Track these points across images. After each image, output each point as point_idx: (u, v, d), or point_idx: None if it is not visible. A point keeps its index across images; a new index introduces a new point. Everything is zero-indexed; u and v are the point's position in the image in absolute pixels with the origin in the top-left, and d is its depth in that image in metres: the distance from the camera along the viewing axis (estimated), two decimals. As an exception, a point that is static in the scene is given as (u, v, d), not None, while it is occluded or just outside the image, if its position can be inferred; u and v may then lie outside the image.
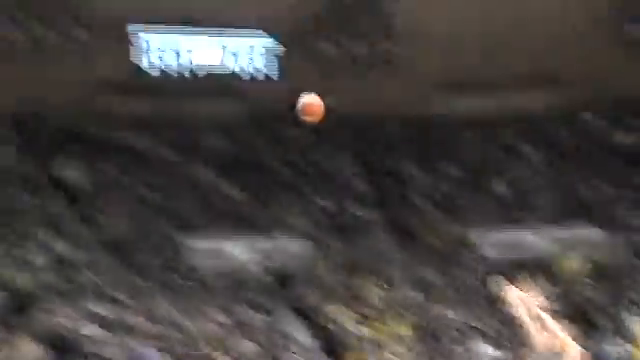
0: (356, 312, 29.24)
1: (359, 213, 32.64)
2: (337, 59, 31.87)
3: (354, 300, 29.71)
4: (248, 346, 27.43)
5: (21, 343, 25.12)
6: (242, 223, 31.57)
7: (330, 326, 28.88)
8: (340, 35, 31.93)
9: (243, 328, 28.20)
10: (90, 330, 26.49)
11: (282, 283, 30.41)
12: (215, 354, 26.65)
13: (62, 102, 31.12)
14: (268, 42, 31.77)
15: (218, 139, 33.93)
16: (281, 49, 31.60)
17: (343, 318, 28.96)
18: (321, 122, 12.04)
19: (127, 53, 30.73)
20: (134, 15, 30.52)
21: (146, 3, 30.67)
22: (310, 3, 31.21)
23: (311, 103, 11.81)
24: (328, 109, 12.52)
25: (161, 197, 31.87)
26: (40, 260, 28.54)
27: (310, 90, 12.93)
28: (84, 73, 30.46)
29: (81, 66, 30.21)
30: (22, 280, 27.68)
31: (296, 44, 31.65)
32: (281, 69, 31.69)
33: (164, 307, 28.20)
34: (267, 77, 31.92)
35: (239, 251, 30.71)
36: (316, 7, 31.43)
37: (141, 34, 31.04)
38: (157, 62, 31.32)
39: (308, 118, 11.70)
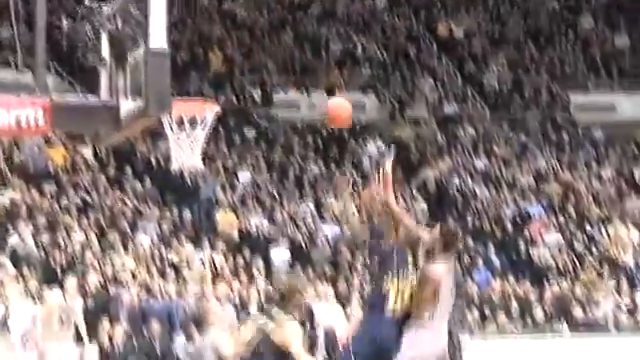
0: None
1: None
2: None
3: None
4: (637, 203, 23.91)
5: (410, 195, 22.77)
6: (627, 76, 27.89)
7: None
8: None
9: (632, 185, 24.73)
10: (468, 184, 23.90)
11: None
12: (603, 211, 23.30)
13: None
14: None
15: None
16: None
17: None
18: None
19: None
20: None
21: None
22: None
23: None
24: None
25: (541, 47, 28.63)
26: (423, 114, 26.22)
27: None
28: None
29: None
30: (406, 134, 25.12)
31: None
32: None
33: (545, 162, 25.17)
34: None
35: (626, 105, 27.15)
36: None
37: None
38: None
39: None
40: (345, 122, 9.42)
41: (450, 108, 26.55)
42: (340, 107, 9.29)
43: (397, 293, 8.60)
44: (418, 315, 8.50)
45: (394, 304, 8.59)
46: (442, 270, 8.52)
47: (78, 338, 14.72)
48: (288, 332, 7.92)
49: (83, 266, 16.62)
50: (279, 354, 7.93)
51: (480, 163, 24.71)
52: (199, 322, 14.18)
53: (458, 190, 23.61)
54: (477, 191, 23.52)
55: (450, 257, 8.68)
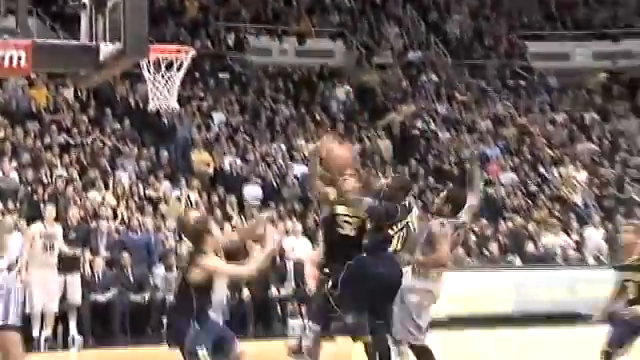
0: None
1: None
2: None
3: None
4: (587, 146, 24.14)
5: (375, 138, 22.78)
6: (581, 27, 27.82)
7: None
8: None
9: (583, 129, 24.89)
10: (431, 126, 24.01)
11: (625, 86, 26.74)
12: (556, 153, 23.45)
13: None
14: None
15: None
16: None
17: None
18: None
19: None
20: None
21: None
22: None
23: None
24: None
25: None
26: (389, 61, 26.11)
27: None
28: None
29: None
30: (372, 79, 25.12)
31: None
32: None
33: (503, 107, 25.27)
34: None
35: (579, 54, 27.25)
36: None
37: None
38: None
39: None
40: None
41: (414, 55, 26.56)
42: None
43: (399, 238, 9.14)
44: (434, 266, 9.01)
45: (396, 246, 9.12)
46: (450, 227, 9.05)
47: (61, 268, 14.77)
48: (211, 266, 8.06)
49: (65, 201, 16.64)
50: (198, 291, 8.11)
51: (442, 107, 24.75)
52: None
53: (421, 132, 23.66)
54: (439, 133, 23.62)
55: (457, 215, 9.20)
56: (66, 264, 14.89)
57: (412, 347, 9.06)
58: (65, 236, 14.93)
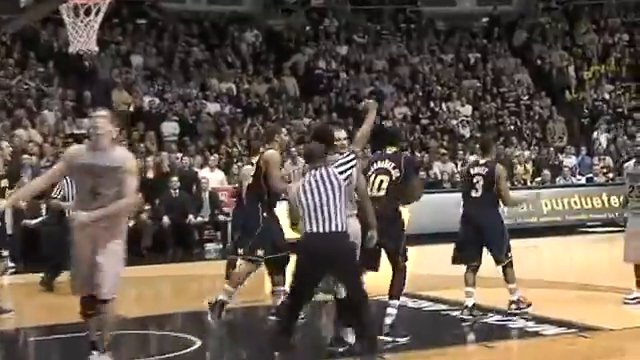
0: (575, 57, 25.59)
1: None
2: None
3: (573, 45, 26.06)
4: (472, 83, 24.17)
5: (282, 77, 22.37)
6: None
7: (548, 67, 25.22)
8: None
9: (468, 68, 24.93)
10: (331, 67, 23.58)
11: (504, 28, 26.69)
12: (444, 89, 23.44)
13: None
14: None
15: None
16: None
17: (562, 62, 25.23)
18: None
19: None
20: None
21: None
22: None
23: None
24: None
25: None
26: (295, 7, 25.76)
27: None
28: None
29: None
30: (277, 23, 24.73)
31: None
32: None
33: (397, 48, 25.02)
34: None
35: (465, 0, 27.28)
36: None
37: None
38: None
39: None
40: None
41: (317, 1, 26.29)
42: None
43: None
44: None
45: None
46: None
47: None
48: None
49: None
50: None
51: (342, 49, 24.60)
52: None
53: (324, 72, 23.51)
54: (339, 73, 23.49)
55: None
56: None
57: None
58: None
